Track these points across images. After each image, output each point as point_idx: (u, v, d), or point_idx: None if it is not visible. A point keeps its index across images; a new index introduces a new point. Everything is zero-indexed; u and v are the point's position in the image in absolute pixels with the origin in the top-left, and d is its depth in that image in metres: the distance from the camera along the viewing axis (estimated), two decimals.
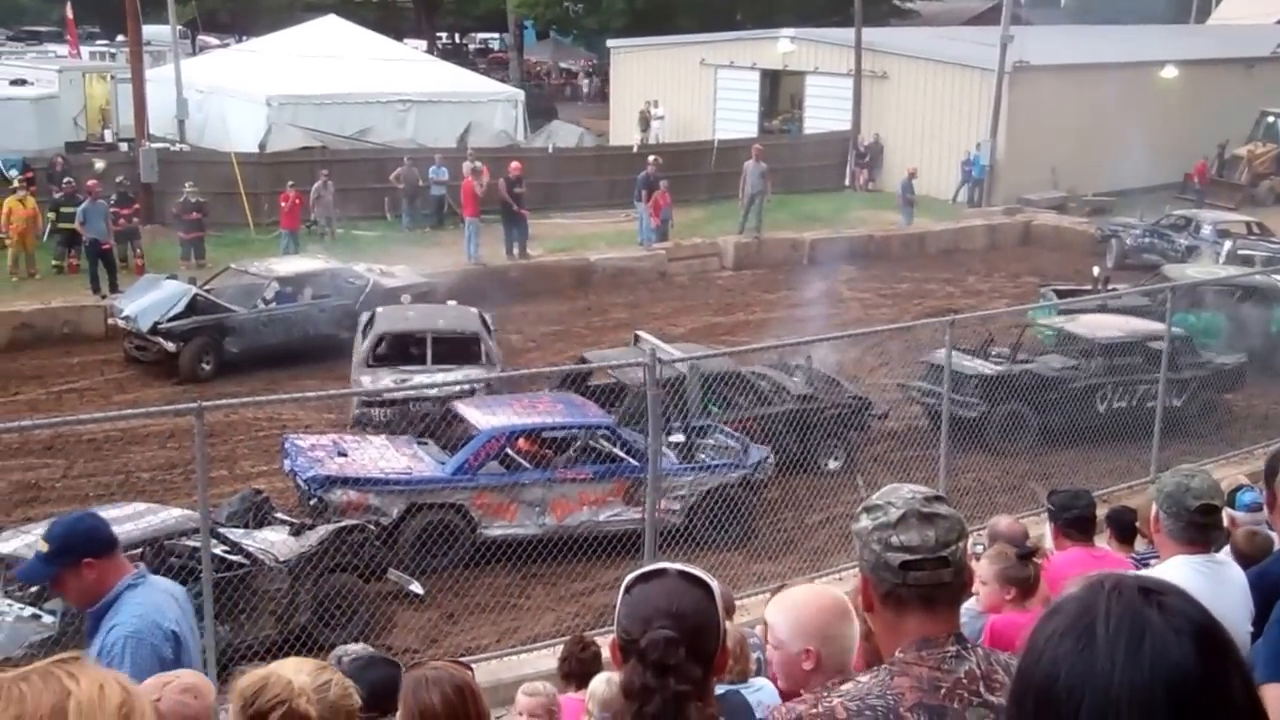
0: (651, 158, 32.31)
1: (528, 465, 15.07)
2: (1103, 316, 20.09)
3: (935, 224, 34.44)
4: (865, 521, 2.94)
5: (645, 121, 42.94)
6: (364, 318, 20.52)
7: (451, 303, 21.58)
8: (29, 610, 11.65)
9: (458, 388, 17.58)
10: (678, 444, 15.47)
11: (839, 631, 3.62)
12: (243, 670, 3.30)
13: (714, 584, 2.78)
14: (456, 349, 19.29)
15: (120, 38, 46.50)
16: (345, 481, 14.25)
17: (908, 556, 2.86)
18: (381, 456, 15.00)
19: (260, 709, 3.16)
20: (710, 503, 15.04)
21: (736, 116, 42.84)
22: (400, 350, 19.41)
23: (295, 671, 3.28)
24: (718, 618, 2.77)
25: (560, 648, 8.25)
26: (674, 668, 2.65)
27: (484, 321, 20.16)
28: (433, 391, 17.85)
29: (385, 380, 18.47)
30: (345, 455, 14.93)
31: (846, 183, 39.26)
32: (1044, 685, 1.49)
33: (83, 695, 1.51)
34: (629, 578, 2.87)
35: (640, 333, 18.41)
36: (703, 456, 15.65)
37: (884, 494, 2.98)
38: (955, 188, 37.41)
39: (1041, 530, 8.27)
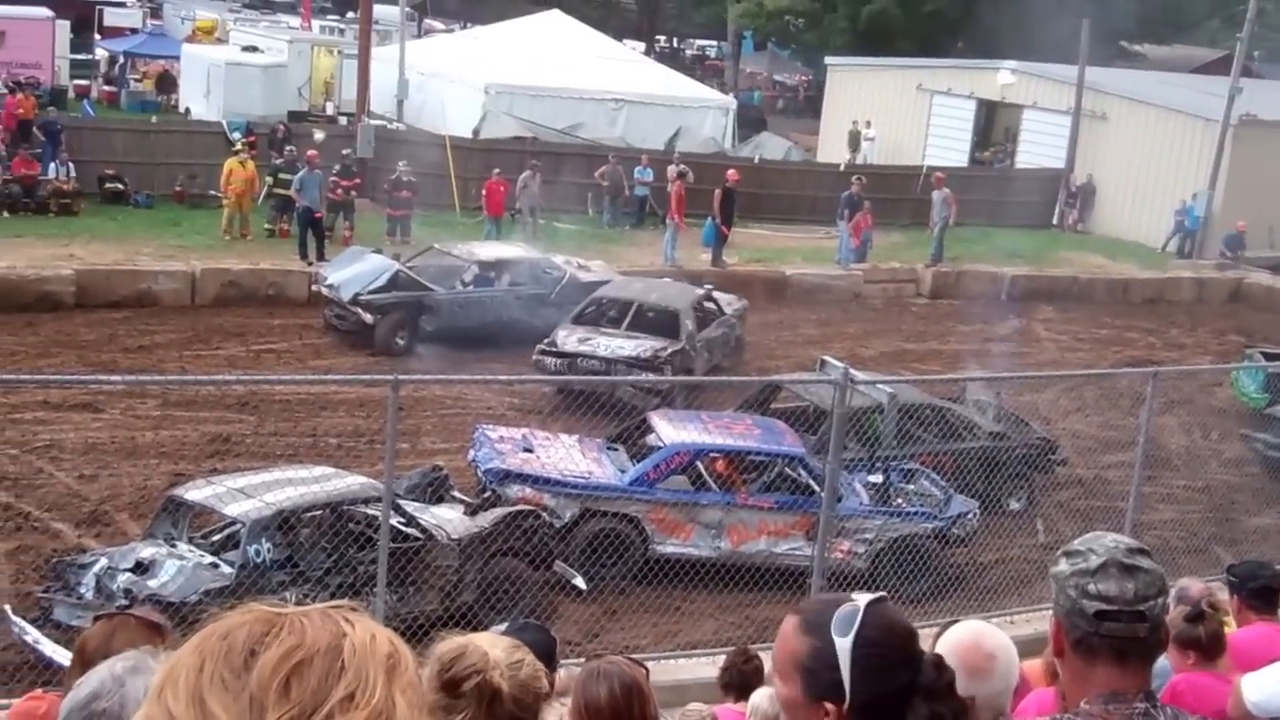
0: (856, 178, 32.09)
1: (714, 485, 14.77)
2: None
3: (1140, 271, 33.54)
4: (1064, 566, 2.87)
5: (854, 141, 42.61)
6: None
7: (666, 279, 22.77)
8: (209, 558, 12.02)
9: (625, 353, 19.63)
10: (874, 484, 15.01)
11: (966, 674, 3.55)
12: (441, 636, 3.34)
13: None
14: (657, 322, 20.67)
15: (351, 15, 47.76)
16: (522, 478, 14.23)
17: (1103, 606, 2.79)
18: (567, 457, 14.86)
19: (456, 676, 3.18)
20: (897, 551, 14.31)
21: (948, 144, 42.23)
22: (607, 314, 21.03)
23: (491, 645, 3.30)
24: None
25: (718, 657, 8.20)
26: None
27: (713, 303, 21.95)
28: (603, 352, 19.83)
29: (571, 338, 20.22)
30: (530, 451, 14.88)
31: (1054, 221, 38.45)
32: None
33: (357, 639, 1.58)
34: None
35: (826, 357, 18.02)
36: (899, 501, 15.05)
37: (1086, 540, 2.91)
38: (1165, 236, 36.34)
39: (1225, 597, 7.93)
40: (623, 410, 17.35)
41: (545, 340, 20.34)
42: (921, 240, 32.71)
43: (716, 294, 23.00)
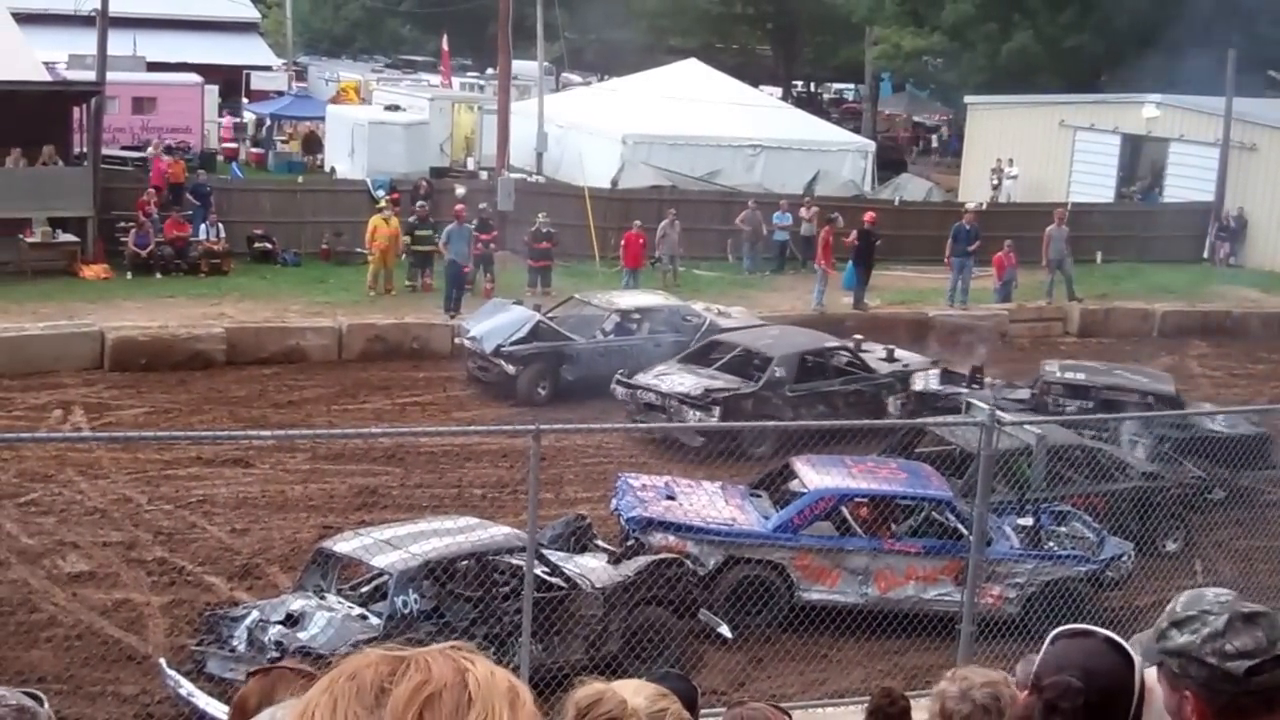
0: (969, 206, 31.70)
1: (859, 531, 14.55)
2: None
3: None
4: (1187, 637, 2.77)
5: (997, 179, 42.06)
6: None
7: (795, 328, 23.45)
8: (357, 610, 12.14)
9: (681, 390, 19.78)
10: (1025, 527, 14.73)
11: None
12: (582, 681, 3.27)
13: (1138, 659, 2.76)
14: (748, 366, 20.61)
15: (490, 71, 48.43)
16: (665, 526, 14.20)
17: (1249, 662, 2.70)
18: (709, 504, 14.81)
19: None
20: (1049, 596, 13.94)
21: (1093, 180, 41.44)
22: (711, 354, 21.24)
23: (634, 693, 3.23)
24: (1133, 689, 2.74)
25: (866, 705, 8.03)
26: (1064, 711, 2.66)
27: (850, 356, 21.61)
28: (664, 387, 20.06)
29: (652, 371, 20.65)
30: (673, 499, 14.85)
31: (1205, 255, 37.49)
32: None
33: (479, 673, 1.69)
34: (1055, 631, 2.94)
35: (972, 399, 17.71)
36: (1051, 544, 14.74)
37: (1188, 605, 2.82)
38: None
39: None
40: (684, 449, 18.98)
41: (622, 370, 20.78)
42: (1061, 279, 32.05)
43: (901, 353, 22.84)
